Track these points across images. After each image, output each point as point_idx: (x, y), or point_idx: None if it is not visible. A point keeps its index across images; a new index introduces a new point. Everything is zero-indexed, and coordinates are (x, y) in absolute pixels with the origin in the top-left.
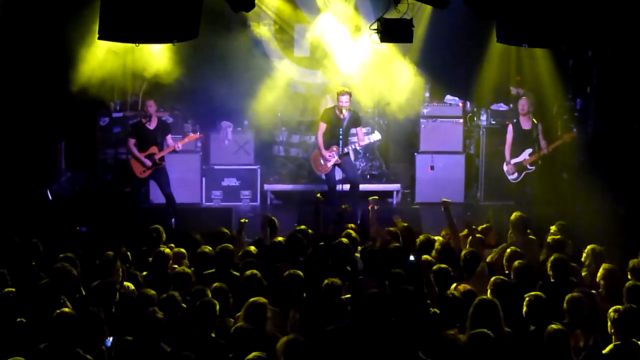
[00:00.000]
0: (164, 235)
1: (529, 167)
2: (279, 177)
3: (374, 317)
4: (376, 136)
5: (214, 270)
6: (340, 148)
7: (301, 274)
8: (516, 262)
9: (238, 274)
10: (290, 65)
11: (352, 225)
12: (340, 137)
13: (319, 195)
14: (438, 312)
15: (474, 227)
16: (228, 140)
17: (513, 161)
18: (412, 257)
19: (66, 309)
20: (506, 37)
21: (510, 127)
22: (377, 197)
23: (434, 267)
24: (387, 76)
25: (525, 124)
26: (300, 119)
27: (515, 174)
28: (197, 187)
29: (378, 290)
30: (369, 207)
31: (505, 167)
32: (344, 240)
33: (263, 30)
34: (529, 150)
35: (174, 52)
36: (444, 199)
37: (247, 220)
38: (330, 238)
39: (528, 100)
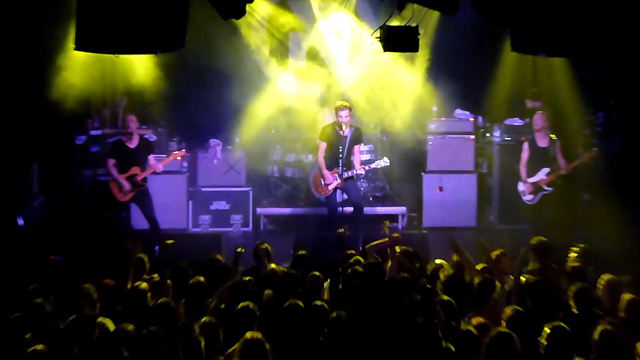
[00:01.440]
0: (148, 264)
1: (545, 187)
2: (274, 200)
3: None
4: (383, 162)
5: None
6: (341, 169)
7: (301, 304)
8: (534, 291)
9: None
10: (285, 78)
11: (353, 251)
12: (341, 156)
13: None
14: (452, 348)
15: (487, 250)
16: (217, 160)
17: (530, 180)
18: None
19: (39, 347)
20: (521, 46)
21: (525, 145)
22: (399, 236)
23: (439, 298)
24: (391, 89)
25: (542, 141)
26: (296, 135)
27: (531, 195)
28: (183, 211)
29: (368, 322)
30: (387, 234)
31: (520, 187)
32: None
33: (255, 40)
34: (546, 170)
35: (157, 64)
36: (450, 239)
37: (243, 250)
38: (331, 264)
39: (543, 115)
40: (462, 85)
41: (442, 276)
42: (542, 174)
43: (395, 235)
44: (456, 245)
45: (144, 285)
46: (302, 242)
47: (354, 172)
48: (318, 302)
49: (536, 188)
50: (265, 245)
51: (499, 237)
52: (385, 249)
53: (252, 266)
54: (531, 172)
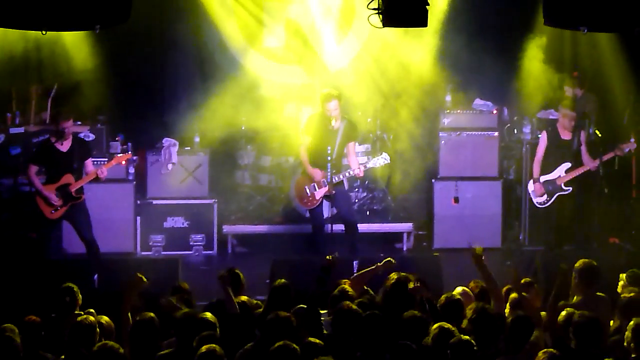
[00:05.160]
0: (80, 297)
1: (564, 187)
2: (244, 215)
3: None
4: (382, 160)
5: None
6: (330, 173)
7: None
8: (582, 330)
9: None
10: (258, 60)
11: (346, 281)
12: (330, 156)
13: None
14: None
15: (517, 280)
16: (172, 164)
17: (543, 178)
18: None
19: None
20: (557, 19)
21: (543, 135)
22: (392, 260)
23: (454, 340)
24: (393, 74)
25: (565, 133)
26: (272, 133)
27: (545, 197)
28: (130, 230)
29: None
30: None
31: (530, 187)
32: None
33: (221, 11)
34: (567, 165)
35: (95, 43)
36: (473, 246)
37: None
38: (311, 302)
39: (572, 114)
40: (483, 69)
41: (468, 311)
42: (560, 170)
43: (386, 260)
44: (478, 257)
45: (92, 318)
46: (280, 268)
47: (348, 174)
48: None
49: (554, 188)
50: (235, 270)
51: (531, 261)
52: (380, 277)
53: (217, 299)
54: (548, 170)
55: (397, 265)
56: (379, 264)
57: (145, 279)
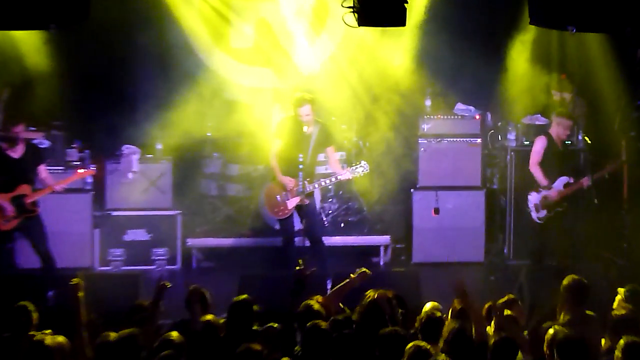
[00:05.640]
0: (35, 315)
1: (561, 202)
2: (210, 227)
3: None
4: (361, 169)
5: None
6: (301, 181)
7: None
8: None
9: None
10: (225, 62)
11: (319, 298)
12: (302, 164)
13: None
14: None
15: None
16: (133, 173)
17: (545, 192)
18: None
19: None
20: (544, 18)
21: (542, 141)
22: (367, 271)
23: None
24: (370, 76)
25: (559, 143)
26: (241, 140)
27: (544, 211)
28: (87, 243)
29: None
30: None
31: (533, 198)
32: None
33: (185, 10)
34: (565, 180)
35: (51, 44)
36: (456, 281)
37: (169, 285)
38: (286, 319)
39: (568, 122)
40: (465, 71)
41: (444, 330)
42: (559, 184)
43: (361, 271)
44: (463, 290)
45: (47, 341)
46: (249, 284)
47: (324, 183)
48: None
49: (551, 202)
50: (200, 289)
51: (516, 276)
52: (356, 290)
53: (182, 319)
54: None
55: (373, 281)
56: (352, 275)
57: (81, 282)
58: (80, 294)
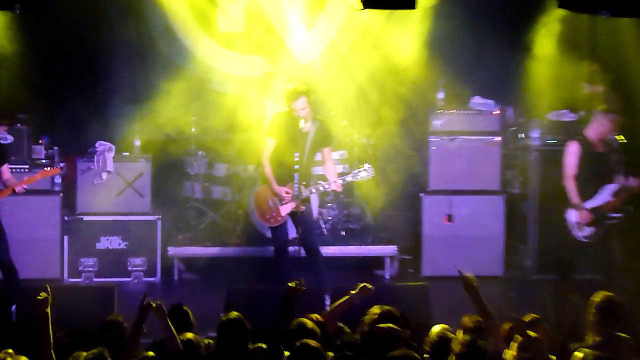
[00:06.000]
0: None
1: (612, 215)
2: (194, 234)
3: None
4: (364, 173)
5: None
6: (297, 185)
7: None
8: None
9: None
10: (211, 49)
11: (317, 316)
12: (298, 165)
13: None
14: None
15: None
16: (107, 173)
17: (588, 205)
18: None
19: None
20: (573, 1)
21: (574, 147)
22: (368, 286)
23: None
24: (374, 66)
25: (599, 145)
26: (228, 136)
27: (591, 228)
28: (56, 251)
29: None
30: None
31: (572, 217)
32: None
33: None
34: (612, 187)
35: (15, 26)
36: (464, 273)
37: (155, 304)
38: (272, 339)
39: (616, 120)
40: (483, 60)
41: (454, 345)
42: (606, 194)
43: (362, 286)
44: (469, 285)
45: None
46: (237, 299)
47: (322, 188)
48: None
49: (599, 216)
50: (182, 306)
51: (539, 292)
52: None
53: (161, 338)
54: (585, 191)
55: (377, 297)
56: (352, 292)
57: (48, 295)
58: (47, 309)
